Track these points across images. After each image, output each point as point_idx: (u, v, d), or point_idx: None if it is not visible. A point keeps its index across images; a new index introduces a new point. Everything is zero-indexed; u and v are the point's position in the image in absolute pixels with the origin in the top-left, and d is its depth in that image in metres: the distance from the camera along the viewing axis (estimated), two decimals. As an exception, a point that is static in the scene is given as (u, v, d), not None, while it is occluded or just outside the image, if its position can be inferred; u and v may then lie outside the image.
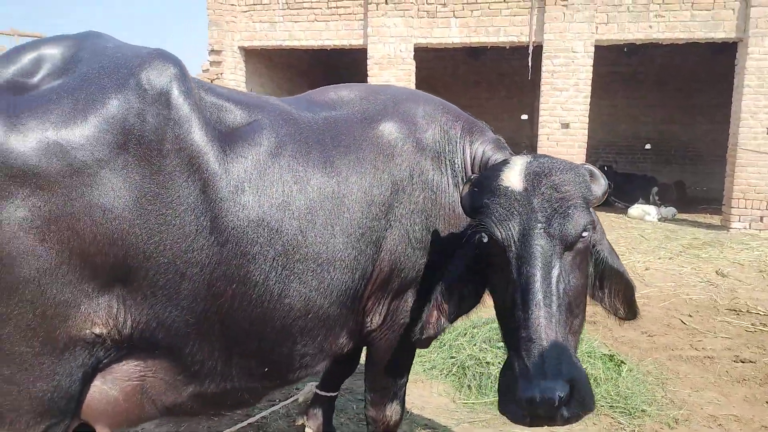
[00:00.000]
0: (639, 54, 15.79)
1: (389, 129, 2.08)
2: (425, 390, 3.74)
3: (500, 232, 1.64)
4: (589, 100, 10.36)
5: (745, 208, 9.76)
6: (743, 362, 4.42)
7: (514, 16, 10.53)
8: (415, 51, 11.11)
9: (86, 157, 1.54)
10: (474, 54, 17.05)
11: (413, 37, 11.00)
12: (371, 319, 2.12)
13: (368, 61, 11.21)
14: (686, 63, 16.44)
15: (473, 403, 3.58)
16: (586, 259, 1.75)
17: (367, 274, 1.98)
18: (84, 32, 1.82)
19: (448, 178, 2.14)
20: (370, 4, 11.02)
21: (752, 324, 5.29)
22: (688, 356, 4.52)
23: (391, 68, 11.12)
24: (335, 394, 2.83)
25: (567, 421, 1.51)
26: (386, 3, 10.95)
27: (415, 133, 2.11)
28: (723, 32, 9.78)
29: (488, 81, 18.26)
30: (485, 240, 1.70)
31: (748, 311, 5.63)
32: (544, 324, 1.51)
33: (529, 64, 10.66)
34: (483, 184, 1.77)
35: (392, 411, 2.32)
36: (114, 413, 1.81)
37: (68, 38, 1.77)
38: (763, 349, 4.69)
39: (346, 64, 16.23)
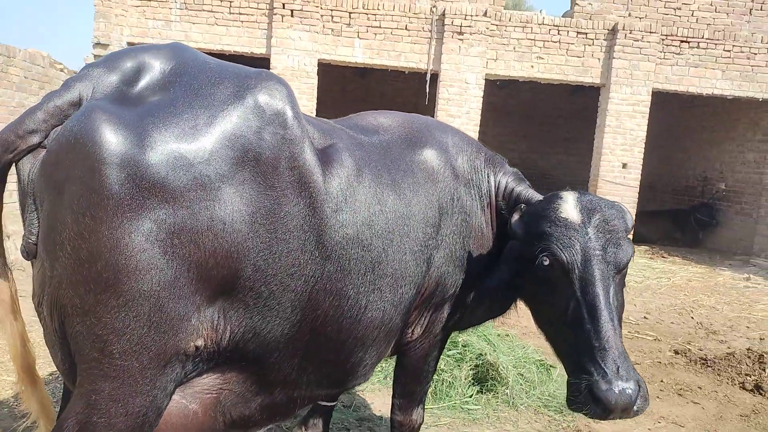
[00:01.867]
0: (509, 88, 17.43)
1: (430, 156, 2.28)
2: (386, 398, 3.93)
3: (566, 256, 1.93)
4: (478, 128, 11.29)
5: (603, 231, 11.25)
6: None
7: (414, 44, 11.16)
8: (318, 66, 11.28)
9: (209, 171, 1.55)
10: (360, 73, 17.61)
11: (318, 52, 11.17)
12: (413, 330, 2.30)
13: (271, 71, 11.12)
14: (547, 100, 18.45)
15: (431, 407, 3.84)
16: (624, 280, 2.11)
17: (420, 289, 2.17)
18: (171, 43, 1.81)
19: (476, 203, 2.40)
20: (275, 15, 11.00)
21: (628, 332, 6.21)
22: (589, 360, 5.22)
23: (294, 81, 11.14)
24: (334, 404, 2.92)
25: (636, 414, 1.84)
26: (292, 16, 11.00)
27: (450, 160, 2.34)
28: (590, 77, 11.28)
29: (372, 101, 18.91)
30: (546, 263, 1.98)
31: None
32: (613, 336, 1.83)
33: (427, 90, 11.33)
34: (539, 214, 2.06)
35: (417, 415, 2.50)
36: (190, 427, 1.79)
37: (162, 48, 1.75)
38: (643, 353, 5.56)
39: None
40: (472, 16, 10.96)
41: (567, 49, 11.19)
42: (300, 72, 11.16)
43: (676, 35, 11.18)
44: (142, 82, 1.65)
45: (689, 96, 11.85)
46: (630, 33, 10.99)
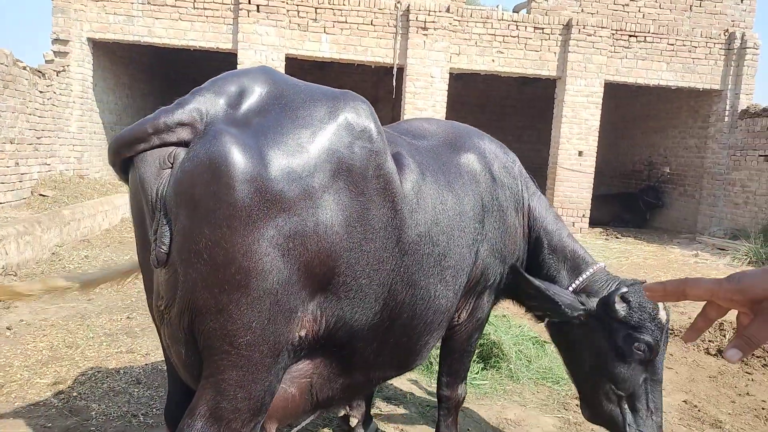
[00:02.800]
0: (463, 80, 17.96)
1: (472, 159, 2.57)
2: (402, 378, 4.25)
3: (656, 351, 2.51)
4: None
5: (564, 216, 11.92)
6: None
7: (380, 38, 11.41)
8: (285, 61, 11.36)
9: (314, 182, 1.76)
10: (318, 65, 17.69)
11: (285, 47, 11.25)
12: (459, 315, 2.61)
13: (238, 67, 11.13)
14: (500, 91, 19.11)
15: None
16: None
17: (470, 278, 2.48)
18: (262, 67, 2.02)
19: (511, 205, 2.71)
20: (241, 10, 10.99)
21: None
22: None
23: (262, 76, 11.19)
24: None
25: None
26: (258, 11, 11.02)
27: (487, 164, 2.64)
28: (547, 71, 11.86)
29: (332, 92, 19.01)
30: (641, 350, 2.50)
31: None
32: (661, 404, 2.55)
33: (393, 84, 11.62)
34: (644, 309, 2.51)
35: (462, 390, 2.82)
36: (288, 408, 2.02)
37: (257, 72, 1.95)
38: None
39: (211, 68, 15.71)
40: (435, 11, 11.30)
41: (525, 44, 11.72)
42: (268, 67, 11.20)
43: (625, 30, 11.91)
44: (245, 105, 1.84)
45: (635, 86, 12.65)
46: (583, 28, 11.62)
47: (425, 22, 11.30)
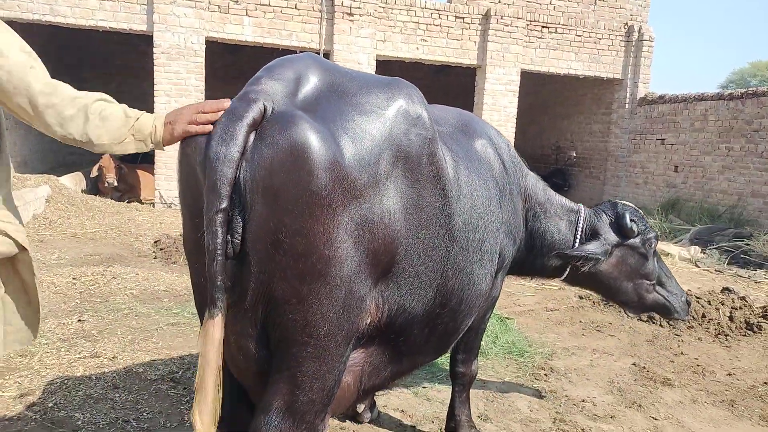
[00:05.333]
0: (381, 67, 18.11)
1: (485, 145, 2.62)
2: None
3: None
4: (371, 106, 11.73)
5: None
6: (551, 311, 6.15)
7: (305, 23, 11.22)
8: (206, 44, 10.85)
9: (379, 170, 1.77)
10: (230, 49, 17.04)
11: (205, 30, 10.74)
12: None
13: (155, 50, 10.50)
14: (415, 79, 19.44)
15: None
16: None
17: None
18: (308, 54, 1.99)
19: (516, 188, 2.84)
20: (156, -11, 10.34)
21: (537, 284, 7.17)
22: (518, 311, 6.04)
23: (181, 59, 10.64)
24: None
25: None
26: (175, -9, 10.42)
27: (497, 150, 2.74)
28: (468, 59, 12.26)
29: (246, 77, 18.36)
30: (654, 243, 3.21)
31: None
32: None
33: (320, 69, 11.46)
34: (641, 218, 3.22)
35: (475, 366, 2.93)
36: (344, 397, 2.01)
37: (305, 58, 1.92)
38: (557, 300, 6.54)
39: (122, 51, 14.63)
40: (360, -3, 11.27)
41: (447, 33, 12.02)
42: (187, 50, 10.67)
43: (539, 21, 12.57)
44: (303, 91, 1.81)
45: (545, 75, 13.42)
46: (501, 18, 12.12)
47: (350, 7, 11.25)
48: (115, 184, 10.81)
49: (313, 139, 1.62)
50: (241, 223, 1.66)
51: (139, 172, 11.62)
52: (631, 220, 3.10)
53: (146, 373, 3.59)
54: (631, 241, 3.13)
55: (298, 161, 1.61)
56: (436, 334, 2.20)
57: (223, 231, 1.60)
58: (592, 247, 2.98)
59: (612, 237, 3.10)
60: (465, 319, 2.32)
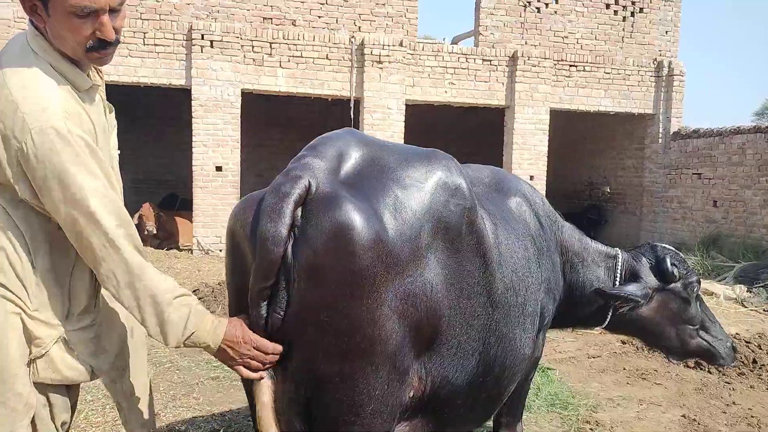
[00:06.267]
0: (410, 109, 18.37)
1: (519, 203, 2.61)
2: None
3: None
4: (401, 150, 11.88)
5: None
6: (594, 357, 5.99)
7: (336, 72, 11.55)
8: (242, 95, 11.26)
9: (420, 243, 1.79)
10: (264, 98, 17.60)
11: (241, 82, 11.16)
12: None
13: (193, 103, 10.94)
14: (444, 119, 19.63)
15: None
16: None
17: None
18: (348, 129, 2.06)
19: (553, 244, 2.82)
20: (194, 46, 10.84)
21: (577, 329, 7.01)
22: (558, 359, 5.90)
23: (218, 111, 11.05)
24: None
25: None
26: (212, 47, 10.90)
27: (532, 207, 2.74)
28: (496, 100, 12.38)
29: (279, 124, 18.93)
30: (696, 287, 3.13)
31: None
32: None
33: (351, 116, 11.74)
34: (683, 262, 3.15)
35: (520, 429, 2.88)
36: None
37: (345, 135, 1.98)
38: (598, 346, 6.37)
39: (162, 106, 15.33)
40: (389, 45, 11.58)
41: (475, 75, 12.20)
42: (224, 102, 11.08)
43: (566, 60, 12.65)
44: (345, 168, 1.85)
45: (575, 112, 13.41)
46: (528, 59, 12.26)
47: (380, 55, 11.55)
48: (155, 232, 11.12)
49: (356, 220, 1.65)
50: (285, 299, 1.70)
51: (177, 219, 11.95)
52: (672, 264, 3.05)
53: (189, 431, 3.62)
54: (673, 285, 3.06)
55: (341, 242, 1.64)
56: (480, 403, 2.17)
57: (266, 306, 1.66)
58: (632, 288, 2.93)
59: (652, 281, 3.03)
60: (509, 386, 2.29)
